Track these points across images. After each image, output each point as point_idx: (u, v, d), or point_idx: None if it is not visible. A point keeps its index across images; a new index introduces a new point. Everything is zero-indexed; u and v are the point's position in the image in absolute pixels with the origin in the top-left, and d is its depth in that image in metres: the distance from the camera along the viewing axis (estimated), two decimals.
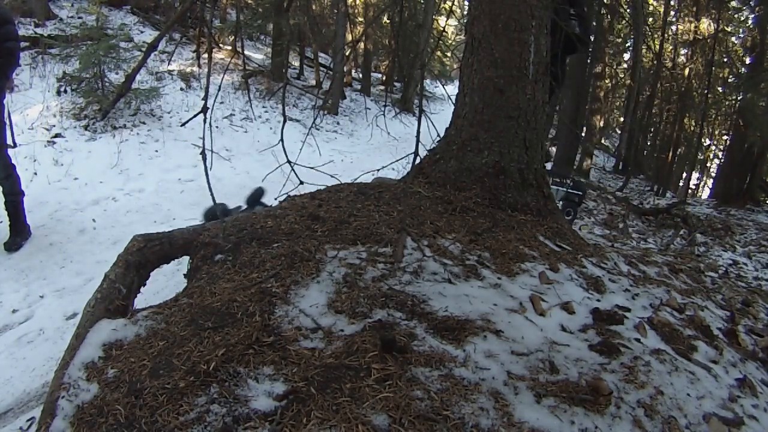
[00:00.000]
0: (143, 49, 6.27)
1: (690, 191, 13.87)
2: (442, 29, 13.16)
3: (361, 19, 13.41)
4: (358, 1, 13.40)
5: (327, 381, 1.30)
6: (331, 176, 2.09)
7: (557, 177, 4.40)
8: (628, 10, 8.43)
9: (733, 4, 10.59)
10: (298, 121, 8.64)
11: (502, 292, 1.92)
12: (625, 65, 13.16)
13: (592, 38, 4.18)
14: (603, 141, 15.98)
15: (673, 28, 12.15)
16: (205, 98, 1.52)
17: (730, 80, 11.68)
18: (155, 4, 9.80)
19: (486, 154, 2.83)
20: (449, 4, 13.26)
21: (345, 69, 12.26)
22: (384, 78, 15.34)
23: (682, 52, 12.59)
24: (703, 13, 11.21)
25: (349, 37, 10.07)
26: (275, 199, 2.64)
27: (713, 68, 10.69)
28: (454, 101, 3.03)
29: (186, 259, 2.18)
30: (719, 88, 11.89)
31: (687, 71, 11.77)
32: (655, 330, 1.89)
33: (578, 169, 10.17)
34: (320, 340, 1.49)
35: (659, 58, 9.91)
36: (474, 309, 1.73)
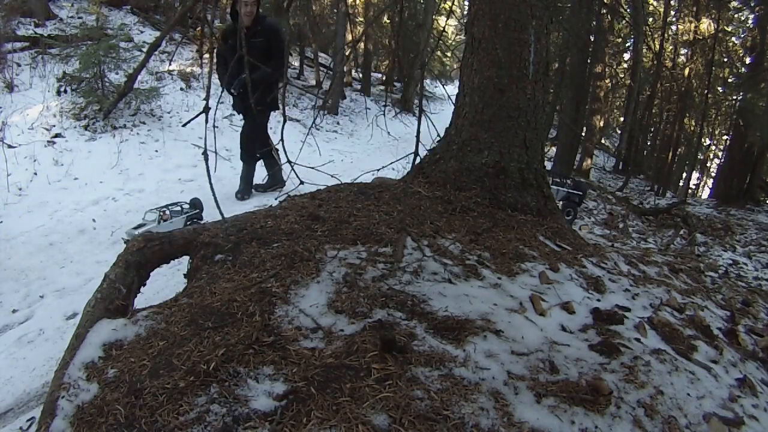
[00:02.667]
0: (143, 49, 6.27)
1: (690, 191, 13.88)
2: (442, 29, 13.14)
3: (361, 19, 13.40)
4: (358, 1, 13.39)
5: (327, 381, 1.30)
6: (331, 176, 2.09)
7: (557, 177, 4.43)
8: (628, 10, 8.42)
9: (733, 4, 10.57)
10: (298, 121, 8.63)
11: (502, 292, 1.92)
12: (625, 65, 13.14)
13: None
14: (603, 141, 15.98)
15: (673, 28, 12.13)
16: (207, 98, 1.52)
17: (730, 80, 11.67)
18: (155, 4, 9.79)
19: (486, 153, 2.83)
20: (449, 4, 13.27)
21: (345, 69, 12.25)
22: (384, 78, 15.33)
23: (682, 52, 12.57)
24: (703, 13, 11.20)
25: (349, 37, 10.06)
26: (275, 198, 2.64)
27: (713, 68, 10.68)
28: (454, 101, 3.03)
29: (186, 259, 2.18)
30: (719, 88, 11.88)
31: (687, 71, 11.75)
32: (655, 330, 1.89)
33: (578, 169, 10.16)
34: (320, 340, 1.49)
35: (659, 58, 9.89)
36: (474, 309, 1.73)
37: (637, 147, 13.11)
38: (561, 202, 4.26)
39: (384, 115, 2.74)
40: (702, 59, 11.46)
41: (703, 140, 13.49)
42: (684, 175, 13.74)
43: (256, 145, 4.31)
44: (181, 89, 7.24)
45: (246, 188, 4.49)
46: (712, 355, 1.85)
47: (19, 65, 6.04)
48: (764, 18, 9.58)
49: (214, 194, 1.59)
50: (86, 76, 5.75)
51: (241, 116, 4.59)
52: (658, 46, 10.30)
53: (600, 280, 2.23)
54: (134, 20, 8.77)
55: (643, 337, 1.80)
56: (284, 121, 1.86)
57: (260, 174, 4.67)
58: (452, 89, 3.23)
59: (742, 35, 11.80)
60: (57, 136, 5.04)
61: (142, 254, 2.00)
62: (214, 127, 1.60)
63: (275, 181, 4.58)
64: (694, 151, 12.68)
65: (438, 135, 2.27)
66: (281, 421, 1.18)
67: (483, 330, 1.60)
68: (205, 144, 1.48)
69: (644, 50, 9.94)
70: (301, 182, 1.82)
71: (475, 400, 1.29)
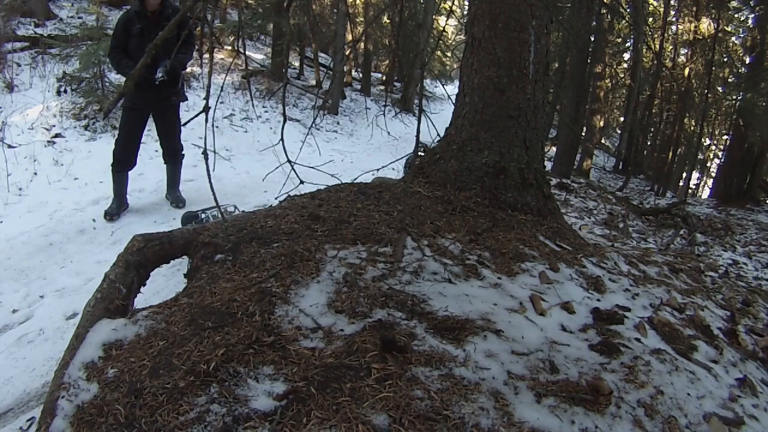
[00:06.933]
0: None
1: (690, 191, 13.86)
2: (442, 29, 13.15)
3: (361, 18, 13.41)
4: (358, 1, 13.40)
5: (327, 381, 1.30)
6: (331, 176, 2.09)
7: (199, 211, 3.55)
8: (628, 10, 8.42)
9: (733, 4, 10.57)
10: (298, 121, 8.63)
11: (502, 292, 1.92)
12: (625, 65, 13.15)
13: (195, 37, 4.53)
14: (603, 141, 15.98)
15: (673, 28, 12.14)
16: (207, 98, 1.52)
17: (730, 80, 11.67)
18: None
19: (486, 153, 2.83)
20: (449, 4, 13.27)
21: (345, 69, 12.26)
22: (384, 78, 15.34)
23: (682, 52, 12.58)
24: (703, 13, 11.20)
25: (349, 37, 10.07)
26: (275, 198, 2.64)
27: (713, 68, 10.68)
28: (454, 101, 3.03)
29: (186, 259, 2.18)
30: (719, 88, 11.88)
31: (687, 71, 11.75)
32: (656, 330, 1.89)
33: (578, 169, 10.17)
34: (320, 340, 1.49)
35: (659, 58, 9.89)
36: (474, 309, 1.73)
37: (637, 147, 13.10)
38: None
39: (384, 115, 2.74)
40: (702, 59, 11.46)
41: (703, 140, 13.48)
42: (684, 175, 13.72)
43: (178, 142, 4.01)
44: None
45: (177, 195, 4.17)
46: (712, 355, 1.85)
47: (19, 65, 6.05)
48: (764, 18, 9.58)
49: (214, 194, 1.58)
50: (86, 76, 5.75)
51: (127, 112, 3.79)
52: (658, 46, 10.30)
53: (600, 280, 2.22)
54: None
55: (643, 337, 1.80)
56: (284, 121, 1.86)
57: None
58: (452, 89, 3.22)
59: (742, 35, 11.79)
60: (57, 136, 5.04)
61: (142, 254, 2.00)
62: (213, 126, 1.60)
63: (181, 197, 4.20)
64: (694, 151, 12.66)
65: (438, 135, 2.27)
66: (281, 421, 1.18)
67: (483, 330, 1.60)
68: (205, 144, 1.48)
69: (644, 50, 9.95)
70: (301, 182, 1.82)
71: (475, 400, 1.29)
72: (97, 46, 5.50)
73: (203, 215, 3.51)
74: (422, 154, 3.45)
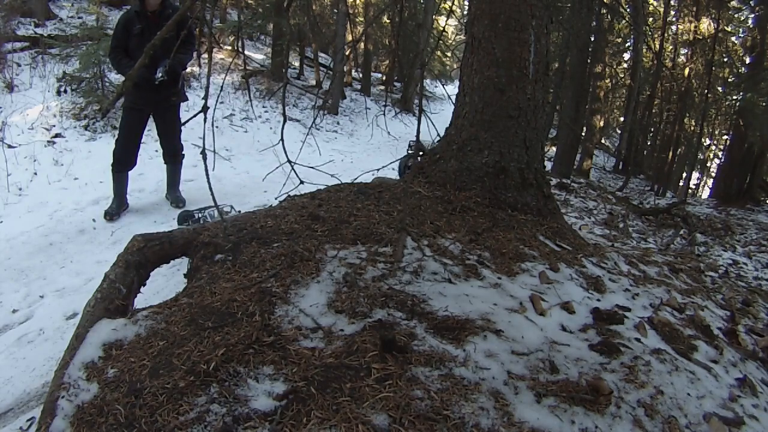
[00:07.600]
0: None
1: (690, 191, 13.86)
2: (442, 29, 13.15)
3: (361, 19, 13.41)
4: (358, 1, 13.40)
5: (327, 381, 1.30)
6: (331, 176, 2.09)
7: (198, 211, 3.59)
8: (628, 10, 8.42)
9: (733, 4, 10.58)
10: (298, 121, 8.63)
11: (502, 292, 1.92)
12: (625, 65, 13.14)
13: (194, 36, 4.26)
14: (603, 141, 15.98)
15: (673, 28, 12.14)
16: (206, 98, 1.52)
17: (730, 80, 11.67)
18: None
19: (486, 153, 2.83)
20: (449, 4, 13.27)
21: (345, 69, 12.26)
22: (384, 78, 15.34)
23: (682, 52, 12.58)
24: (703, 13, 11.20)
25: (349, 37, 10.07)
26: (275, 198, 2.64)
27: (713, 68, 10.68)
28: (454, 101, 3.03)
29: (186, 259, 2.18)
30: (719, 88, 11.88)
31: (687, 71, 11.75)
32: (656, 330, 1.89)
33: (578, 169, 10.16)
34: (320, 340, 1.49)
35: (659, 58, 9.89)
36: (474, 309, 1.73)
37: (637, 147, 13.11)
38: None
39: (384, 115, 2.74)
40: (702, 59, 11.46)
41: (703, 140, 13.48)
42: (684, 175, 13.73)
43: (178, 142, 3.99)
44: None
45: (177, 195, 4.18)
46: (712, 355, 1.85)
47: (19, 65, 6.05)
48: (764, 18, 9.59)
49: (212, 194, 1.58)
50: (86, 76, 5.76)
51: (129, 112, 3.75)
52: (658, 46, 10.30)
53: (600, 280, 2.22)
54: None
55: (643, 336, 1.80)
56: (284, 121, 1.86)
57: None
58: (452, 89, 3.22)
59: (742, 35, 11.81)
60: (57, 136, 5.04)
61: (142, 254, 2.00)
62: (212, 126, 1.60)
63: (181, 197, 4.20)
64: (694, 151, 12.66)
65: (438, 135, 2.27)
66: (281, 421, 1.18)
67: (483, 330, 1.60)
68: (204, 144, 1.48)
69: (644, 50, 9.94)
70: (301, 182, 1.82)
71: (475, 400, 1.29)
72: (97, 46, 5.50)
73: (199, 214, 3.53)
74: (418, 153, 3.44)
